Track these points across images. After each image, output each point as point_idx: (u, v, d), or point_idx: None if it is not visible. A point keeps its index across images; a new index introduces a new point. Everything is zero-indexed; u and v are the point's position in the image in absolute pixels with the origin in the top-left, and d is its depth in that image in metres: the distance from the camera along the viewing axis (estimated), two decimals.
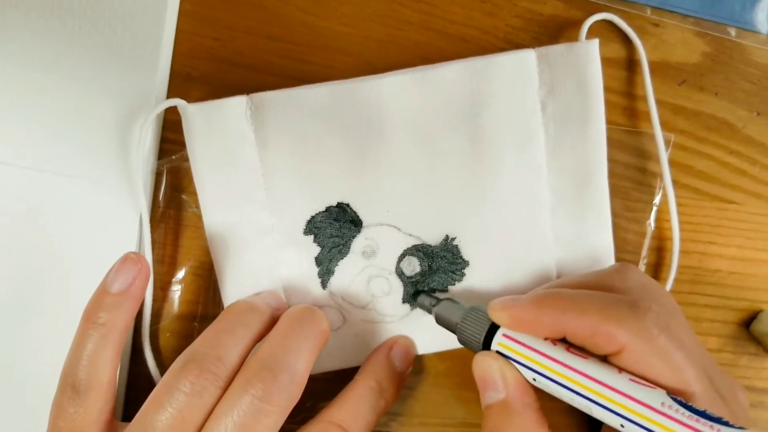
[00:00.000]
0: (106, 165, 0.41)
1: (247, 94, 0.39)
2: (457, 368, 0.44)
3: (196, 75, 0.43)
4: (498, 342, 0.35)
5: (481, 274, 0.42)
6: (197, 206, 0.40)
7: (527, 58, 0.40)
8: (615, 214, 0.43)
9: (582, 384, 0.32)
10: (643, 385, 0.31)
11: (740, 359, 0.46)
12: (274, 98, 0.39)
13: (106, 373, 0.35)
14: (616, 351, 0.32)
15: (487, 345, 0.36)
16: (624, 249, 0.44)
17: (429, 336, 0.42)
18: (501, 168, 0.41)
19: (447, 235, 0.41)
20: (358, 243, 0.41)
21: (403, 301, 0.42)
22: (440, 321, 0.39)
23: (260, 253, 0.41)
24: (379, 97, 0.40)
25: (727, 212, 0.45)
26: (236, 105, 0.39)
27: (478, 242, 0.41)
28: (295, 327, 0.36)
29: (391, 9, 0.43)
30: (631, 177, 0.44)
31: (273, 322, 0.37)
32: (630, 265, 0.38)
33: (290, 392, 0.33)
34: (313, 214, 0.41)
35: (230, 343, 0.34)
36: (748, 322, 0.46)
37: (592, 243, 0.42)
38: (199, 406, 0.32)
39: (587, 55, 0.40)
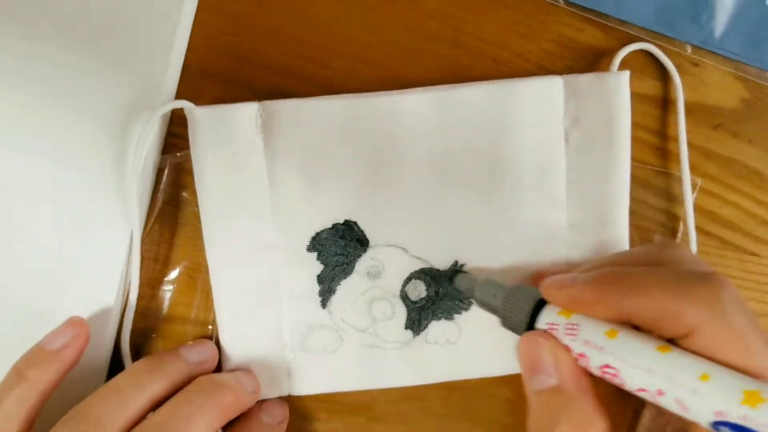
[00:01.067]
0: (106, 161, 0.39)
1: (261, 97, 0.38)
2: (454, 399, 0.42)
3: (212, 71, 0.41)
4: (547, 322, 0.32)
5: None
6: (197, 205, 0.39)
7: (554, 85, 0.39)
8: None
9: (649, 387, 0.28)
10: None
11: None
12: (287, 108, 0.38)
13: (15, 428, 0.34)
14: (686, 333, 0.28)
15: (531, 326, 0.33)
16: None
17: (428, 366, 0.41)
18: (518, 196, 0.40)
19: (456, 261, 0.40)
20: (363, 263, 0.40)
21: (406, 327, 0.40)
22: (482, 305, 0.37)
23: (260, 268, 0.40)
24: (397, 114, 0.39)
25: (748, 264, 0.44)
26: (247, 111, 0.38)
27: (488, 269, 0.40)
28: (191, 396, 0.35)
29: (420, 22, 0.41)
30: (654, 218, 0.43)
31: (185, 383, 0.36)
32: (670, 240, 0.35)
33: None
34: (319, 231, 0.40)
35: (116, 405, 0.33)
36: None
37: None
38: None
39: (617, 86, 0.39)
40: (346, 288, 0.40)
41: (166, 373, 0.35)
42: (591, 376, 0.31)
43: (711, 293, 0.28)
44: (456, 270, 0.40)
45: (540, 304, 0.33)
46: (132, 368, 0.36)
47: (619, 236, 0.40)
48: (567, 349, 0.31)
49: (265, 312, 0.40)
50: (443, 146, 0.39)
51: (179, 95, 0.41)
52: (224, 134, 0.38)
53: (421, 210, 0.39)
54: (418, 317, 0.40)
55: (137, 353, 0.41)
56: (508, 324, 0.35)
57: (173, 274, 0.41)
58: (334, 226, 0.39)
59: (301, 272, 0.40)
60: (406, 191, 0.39)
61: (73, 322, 0.37)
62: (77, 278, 0.39)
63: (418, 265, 0.40)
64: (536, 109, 0.39)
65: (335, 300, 0.40)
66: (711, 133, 0.43)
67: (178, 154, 0.40)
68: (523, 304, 0.34)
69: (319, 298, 0.40)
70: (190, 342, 0.39)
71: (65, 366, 0.36)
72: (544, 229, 0.40)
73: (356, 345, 0.40)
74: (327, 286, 0.40)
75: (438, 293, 0.40)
